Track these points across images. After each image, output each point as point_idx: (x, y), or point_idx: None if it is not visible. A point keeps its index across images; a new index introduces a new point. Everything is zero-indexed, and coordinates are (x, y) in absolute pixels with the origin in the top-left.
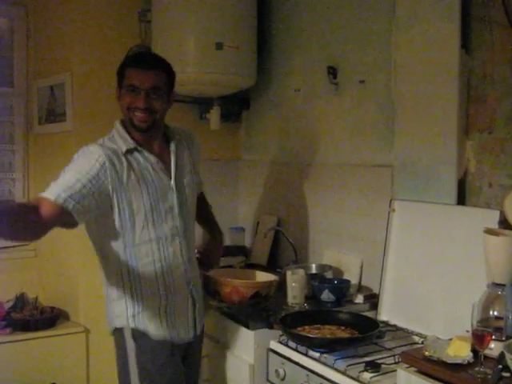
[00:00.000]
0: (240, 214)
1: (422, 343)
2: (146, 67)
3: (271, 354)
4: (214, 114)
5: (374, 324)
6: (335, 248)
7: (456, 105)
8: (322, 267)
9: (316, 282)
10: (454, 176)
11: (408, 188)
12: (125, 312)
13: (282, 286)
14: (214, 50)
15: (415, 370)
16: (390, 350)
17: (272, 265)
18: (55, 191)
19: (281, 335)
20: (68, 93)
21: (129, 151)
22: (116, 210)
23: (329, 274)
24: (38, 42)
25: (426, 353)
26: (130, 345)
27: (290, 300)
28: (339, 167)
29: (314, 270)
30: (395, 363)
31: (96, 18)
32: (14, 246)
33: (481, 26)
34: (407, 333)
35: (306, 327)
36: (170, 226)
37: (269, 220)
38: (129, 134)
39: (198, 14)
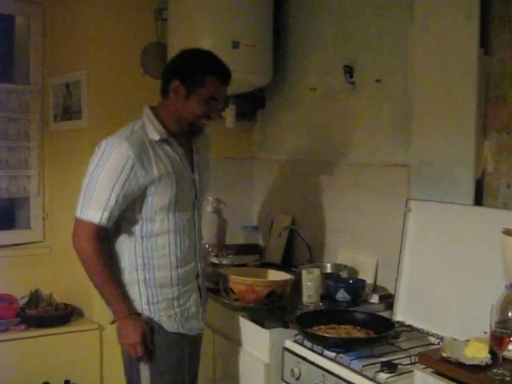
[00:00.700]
0: (254, 212)
1: (438, 344)
2: (227, 81)
3: (286, 354)
4: (229, 113)
5: (389, 324)
6: (350, 247)
7: (474, 104)
8: (337, 267)
9: (331, 281)
10: (472, 176)
11: (424, 188)
12: (139, 298)
13: (297, 285)
14: (230, 48)
15: (432, 370)
16: (405, 350)
17: (286, 264)
18: (96, 211)
19: (296, 335)
20: (84, 90)
21: (160, 141)
22: (139, 202)
23: (344, 274)
24: (54, 40)
25: (444, 354)
26: None
27: (305, 299)
28: (355, 166)
29: (329, 270)
30: (411, 364)
31: (112, 15)
32: (28, 243)
33: (500, 26)
34: (423, 333)
35: (322, 327)
36: (188, 218)
37: (283, 219)
38: (161, 124)
39: (214, 12)
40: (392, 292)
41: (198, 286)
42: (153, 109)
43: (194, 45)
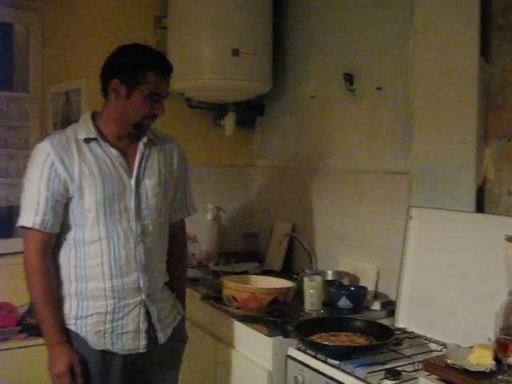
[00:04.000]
0: (254, 219)
1: (441, 351)
2: (167, 74)
3: (290, 361)
4: (229, 120)
5: (389, 331)
6: (351, 255)
7: (475, 112)
8: (339, 274)
9: (333, 288)
10: (473, 183)
11: (425, 195)
12: (68, 312)
13: (298, 292)
14: (230, 56)
15: (437, 377)
16: (408, 357)
17: (286, 271)
18: (28, 216)
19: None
20: (83, 99)
21: (88, 140)
22: (69, 206)
23: (345, 281)
24: (54, 48)
25: (448, 361)
26: None
27: (308, 307)
28: (355, 174)
29: (330, 277)
30: (415, 371)
31: (111, 23)
32: None
33: (500, 35)
34: (425, 340)
35: (323, 334)
36: (124, 228)
37: (283, 226)
38: (95, 125)
39: (214, 20)
40: (393, 299)
41: (145, 304)
42: (95, 112)
43: (194, 53)
